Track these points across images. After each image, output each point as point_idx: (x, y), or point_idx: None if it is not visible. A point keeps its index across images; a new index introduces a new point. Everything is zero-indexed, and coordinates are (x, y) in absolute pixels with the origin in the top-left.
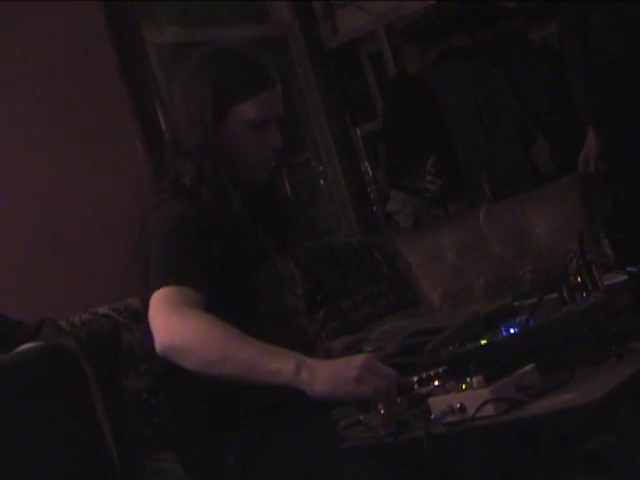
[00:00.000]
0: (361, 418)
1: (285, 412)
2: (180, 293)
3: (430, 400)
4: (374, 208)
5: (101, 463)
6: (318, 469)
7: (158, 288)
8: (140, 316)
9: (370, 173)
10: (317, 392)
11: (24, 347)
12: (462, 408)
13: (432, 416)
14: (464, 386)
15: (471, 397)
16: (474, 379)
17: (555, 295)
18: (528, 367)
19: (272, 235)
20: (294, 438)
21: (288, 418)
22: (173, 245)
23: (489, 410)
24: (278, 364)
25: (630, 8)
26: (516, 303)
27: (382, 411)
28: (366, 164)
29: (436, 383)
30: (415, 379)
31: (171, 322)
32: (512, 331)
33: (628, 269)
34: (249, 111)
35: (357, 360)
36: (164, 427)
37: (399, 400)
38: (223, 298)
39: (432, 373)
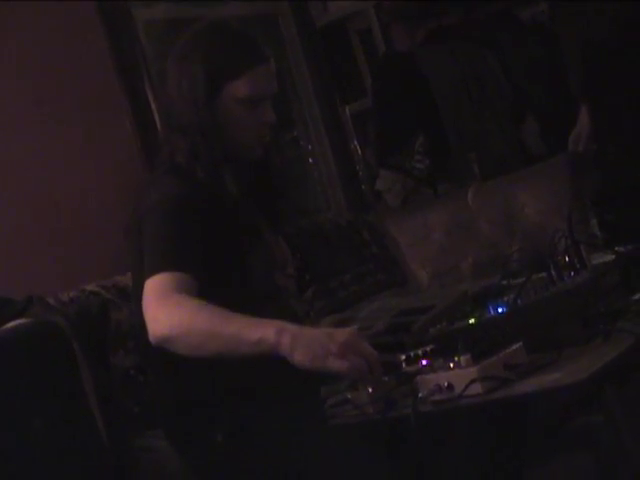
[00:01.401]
0: (349, 396)
1: (274, 390)
2: (172, 279)
3: (418, 378)
4: (363, 187)
5: (89, 440)
6: (306, 449)
7: (152, 274)
8: (128, 293)
9: (359, 152)
10: (296, 361)
11: (12, 324)
12: (450, 386)
13: (420, 394)
14: (452, 365)
15: (459, 376)
16: (462, 358)
17: (543, 274)
18: (516, 346)
19: (265, 213)
20: (283, 418)
21: (277, 397)
22: (167, 228)
23: (477, 389)
24: (259, 333)
25: None
26: (504, 282)
27: (370, 389)
28: (355, 143)
29: (424, 362)
30: (403, 357)
31: (160, 313)
32: (500, 310)
33: (616, 249)
34: (242, 87)
35: (340, 335)
36: (153, 404)
37: (386, 378)
38: (216, 278)
39: (420, 351)
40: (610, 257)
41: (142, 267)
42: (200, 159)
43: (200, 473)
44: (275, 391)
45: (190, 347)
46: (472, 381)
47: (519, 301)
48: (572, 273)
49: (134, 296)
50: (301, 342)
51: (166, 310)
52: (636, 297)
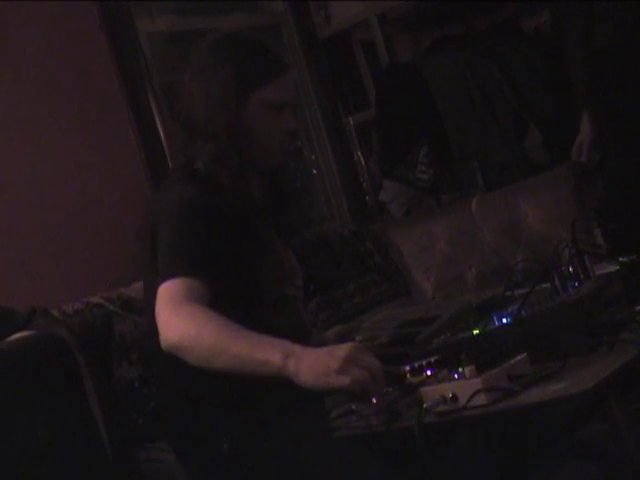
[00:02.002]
0: (353, 407)
1: (279, 400)
2: (185, 287)
3: (422, 390)
4: (366, 197)
5: (93, 452)
6: (312, 459)
7: (166, 279)
8: (132, 306)
9: (363, 162)
10: (302, 382)
11: (16, 336)
12: (454, 398)
13: (424, 405)
14: (456, 375)
15: (463, 387)
16: (466, 368)
17: (547, 285)
18: (520, 357)
19: (276, 222)
20: (289, 428)
21: (282, 406)
22: (182, 233)
23: (481, 399)
24: (266, 355)
25: None
26: (508, 293)
27: (374, 401)
28: (359, 153)
29: (428, 372)
30: (407, 368)
31: (173, 320)
32: (504, 321)
33: (620, 259)
34: (270, 93)
35: (340, 351)
36: (157, 415)
37: (390, 389)
38: (228, 286)
39: (424, 362)
40: (614, 267)
41: (154, 271)
42: (227, 165)
43: None
44: (281, 401)
45: (198, 360)
46: (476, 392)
47: (523, 312)
48: (576, 283)
49: (145, 300)
50: (305, 364)
51: (178, 319)
52: None
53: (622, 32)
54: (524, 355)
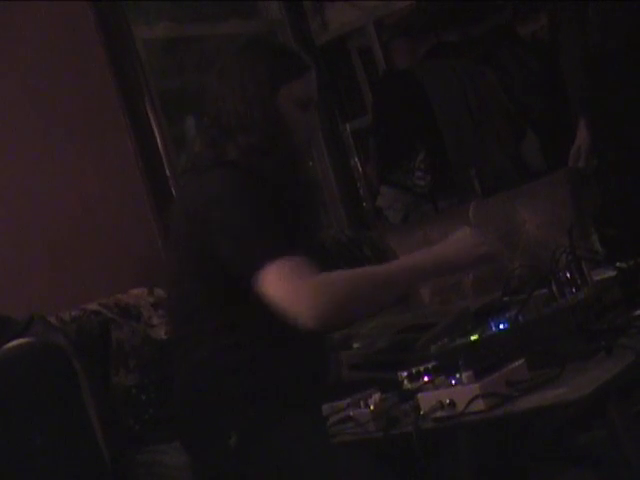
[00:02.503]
0: (351, 414)
1: (286, 398)
2: (292, 265)
3: (420, 395)
4: (364, 204)
5: (90, 458)
6: (317, 457)
7: (263, 265)
8: (129, 312)
9: (360, 169)
10: (463, 263)
11: (13, 343)
12: (452, 403)
13: (422, 411)
14: (454, 381)
15: (461, 392)
16: (464, 374)
17: (545, 290)
18: (518, 362)
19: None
20: (294, 425)
21: (289, 404)
22: (253, 216)
23: (479, 405)
24: (423, 265)
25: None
26: (506, 298)
27: (371, 407)
28: (356, 160)
29: (426, 378)
30: (405, 374)
31: (317, 295)
32: (502, 326)
33: (617, 264)
34: (299, 89)
35: (470, 234)
36: (172, 405)
37: (388, 396)
38: None
39: (422, 368)
40: (611, 273)
41: (188, 266)
42: (270, 155)
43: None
44: (286, 399)
45: (368, 305)
46: (474, 398)
47: (521, 317)
48: (573, 289)
49: (173, 289)
50: (454, 251)
51: (317, 292)
52: (638, 313)
53: (618, 38)
54: (522, 361)
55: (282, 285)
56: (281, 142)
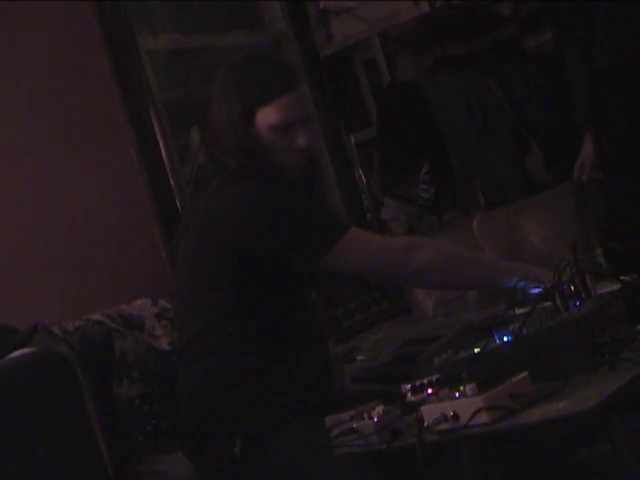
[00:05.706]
0: (354, 426)
1: (292, 406)
2: (363, 231)
3: (423, 408)
4: (368, 216)
5: (93, 469)
6: (321, 465)
7: (337, 239)
8: (133, 323)
9: (364, 181)
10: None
11: (17, 353)
12: (455, 416)
13: (425, 424)
14: (457, 394)
15: (464, 405)
16: (467, 387)
17: (549, 304)
18: (521, 375)
19: None
20: (300, 433)
21: (295, 412)
22: (300, 206)
23: (482, 418)
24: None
25: (632, 14)
26: (510, 311)
27: (375, 419)
28: (360, 172)
29: (429, 391)
30: (408, 387)
31: (410, 249)
32: (506, 339)
33: (621, 278)
34: (271, 114)
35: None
36: (177, 413)
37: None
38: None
39: (425, 381)
40: (615, 286)
41: (203, 278)
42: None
43: None
44: (292, 406)
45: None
46: (478, 410)
47: (524, 330)
48: (577, 302)
49: (185, 302)
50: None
51: (410, 247)
52: None
53: (623, 52)
54: (525, 374)
55: (371, 247)
56: (260, 165)
